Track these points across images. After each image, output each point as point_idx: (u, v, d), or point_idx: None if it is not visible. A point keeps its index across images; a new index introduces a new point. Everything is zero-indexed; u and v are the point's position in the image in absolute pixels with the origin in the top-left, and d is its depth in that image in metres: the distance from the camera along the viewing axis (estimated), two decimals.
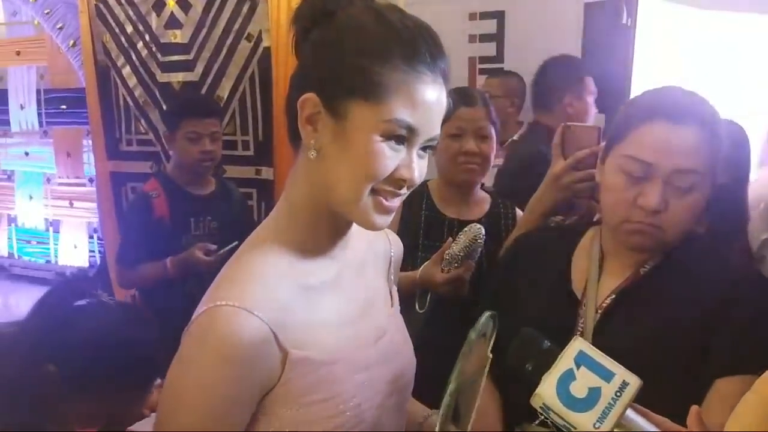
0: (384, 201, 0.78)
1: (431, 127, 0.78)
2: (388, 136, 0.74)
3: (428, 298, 1.53)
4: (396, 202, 0.80)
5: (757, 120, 2.53)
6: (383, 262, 1.01)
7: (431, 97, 0.76)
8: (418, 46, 0.75)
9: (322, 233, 0.84)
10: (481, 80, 3.14)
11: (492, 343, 0.88)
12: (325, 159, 0.77)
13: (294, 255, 0.82)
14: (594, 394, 0.77)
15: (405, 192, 0.80)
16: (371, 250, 0.98)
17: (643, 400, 0.80)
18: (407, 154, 0.77)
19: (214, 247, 2.12)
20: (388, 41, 0.74)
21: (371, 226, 0.80)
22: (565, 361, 0.80)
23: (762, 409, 0.61)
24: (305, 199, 0.82)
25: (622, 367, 0.79)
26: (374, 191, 0.77)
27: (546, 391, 0.78)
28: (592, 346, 0.82)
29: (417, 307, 1.52)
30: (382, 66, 0.73)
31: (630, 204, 1.01)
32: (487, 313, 0.86)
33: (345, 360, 0.82)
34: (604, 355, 0.81)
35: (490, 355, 0.88)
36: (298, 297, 0.80)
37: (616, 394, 0.77)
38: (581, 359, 0.80)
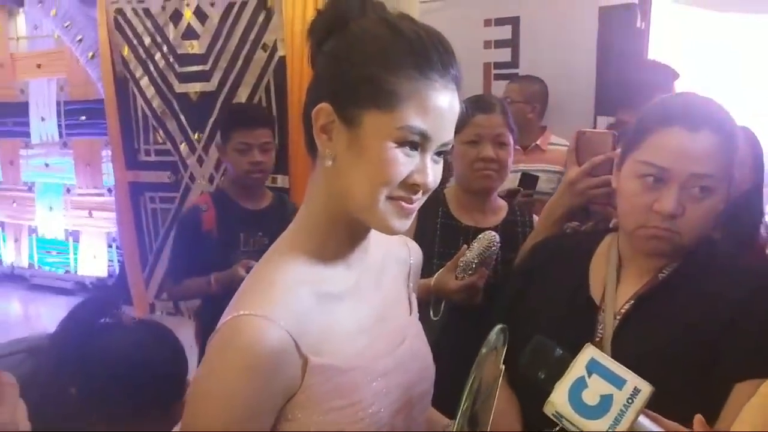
0: (402, 204, 0.79)
1: (444, 132, 0.78)
2: (402, 143, 0.75)
3: (443, 305, 1.52)
4: (414, 206, 0.81)
5: None
6: (402, 270, 1.01)
7: (443, 103, 0.77)
8: (429, 54, 0.76)
9: (341, 240, 0.85)
10: (496, 86, 3.15)
11: (503, 355, 0.88)
12: (340, 167, 0.78)
13: (314, 263, 0.83)
14: (606, 401, 0.78)
15: (421, 197, 0.81)
16: (390, 257, 0.98)
17: (660, 404, 0.80)
18: (421, 160, 0.77)
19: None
20: (400, 50, 0.75)
21: (390, 231, 0.80)
22: (577, 368, 0.80)
23: (766, 411, 0.61)
24: (323, 207, 0.83)
25: (633, 373, 0.79)
26: (390, 197, 0.78)
27: (558, 399, 0.79)
28: (603, 353, 0.82)
29: (431, 314, 1.52)
30: (394, 74, 0.74)
31: (646, 209, 1.01)
32: (497, 327, 0.86)
33: (364, 367, 0.83)
34: (615, 362, 0.81)
35: (503, 367, 0.87)
36: (317, 304, 0.81)
37: (627, 401, 0.77)
38: (593, 367, 0.80)
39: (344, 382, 0.80)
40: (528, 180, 2.32)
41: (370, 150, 0.75)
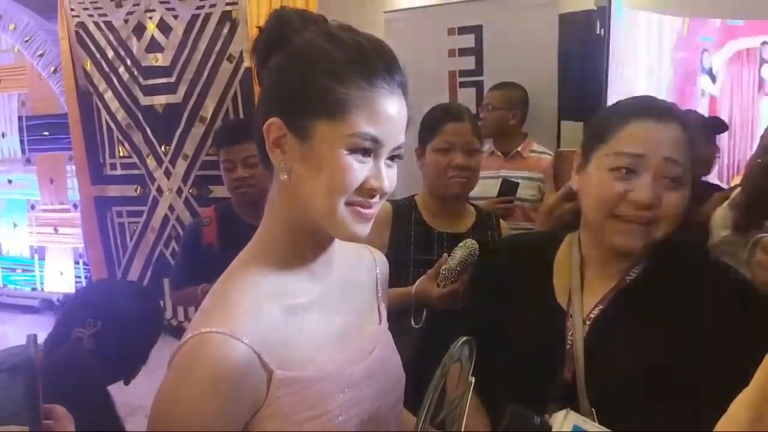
0: (361, 209, 0.80)
1: (395, 137, 0.79)
2: (354, 150, 0.76)
3: (424, 313, 1.54)
4: (373, 211, 0.82)
5: None
6: (369, 280, 1.02)
7: (391, 109, 0.78)
8: (373, 62, 0.77)
9: (303, 252, 0.86)
10: (462, 93, 3.19)
11: (472, 367, 0.88)
12: (296, 179, 0.79)
13: (277, 275, 0.83)
14: None
15: (378, 201, 0.82)
16: (356, 268, 0.99)
17: (639, 409, 0.81)
18: (375, 166, 0.79)
19: None
20: (344, 60, 0.77)
21: (351, 237, 0.81)
22: None
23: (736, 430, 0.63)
24: (283, 220, 0.84)
25: None
26: (349, 203, 0.79)
27: None
28: (585, 418, 0.82)
29: (413, 322, 1.53)
30: (341, 84, 0.76)
31: (618, 198, 0.99)
32: (461, 339, 0.85)
33: (331, 378, 0.83)
34: (597, 425, 0.80)
35: (472, 380, 0.87)
36: (282, 317, 0.81)
37: None
38: None
39: (311, 394, 0.80)
40: (508, 186, 2.33)
41: (324, 159, 0.76)
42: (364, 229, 0.81)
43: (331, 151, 0.76)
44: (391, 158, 0.81)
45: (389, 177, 0.81)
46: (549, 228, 1.36)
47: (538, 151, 2.81)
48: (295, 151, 0.79)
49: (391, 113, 0.78)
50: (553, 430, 0.82)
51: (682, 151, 0.99)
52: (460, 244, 1.53)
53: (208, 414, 0.72)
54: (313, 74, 0.77)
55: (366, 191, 0.79)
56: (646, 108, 1.03)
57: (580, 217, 1.33)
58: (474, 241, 1.52)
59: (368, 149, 0.77)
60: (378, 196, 0.81)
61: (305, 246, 0.85)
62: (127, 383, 1.40)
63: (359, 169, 0.77)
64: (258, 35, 0.84)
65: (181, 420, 0.73)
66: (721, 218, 2.05)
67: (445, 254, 1.54)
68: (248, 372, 0.74)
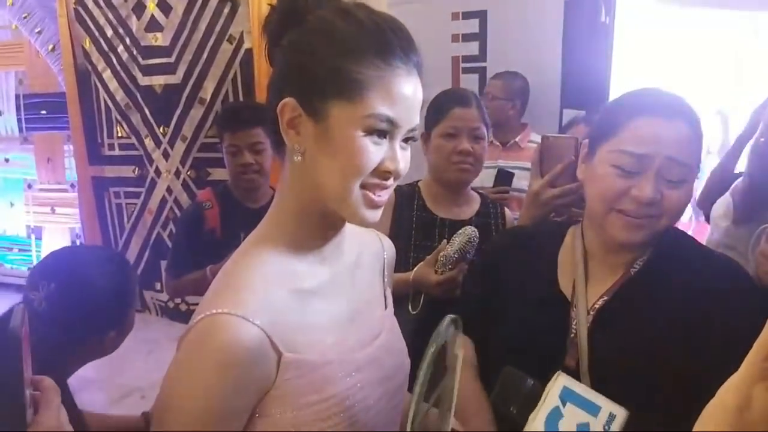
0: (372, 195, 0.79)
1: (410, 118, 0.79)
2: (370, 131, 0.75)
3: (422, 299, 1.53)
4: (384, 196, 0.81)
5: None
6: (377, 265, 1.02)
7: (408, 90, 0.77)
8: (390, 41, 0.76)
9: (314, 234, 0.85)
10: (464, 79, 3.17)
11: (458, 341, 0.87)
12: (310, 160, 0.78)
13: (287, 258, 0.83)
14: (583, 429, 0.78)
15: (392, 184, 0.81)
16: (364, 252, 0.99)
17: (642, 400, 0.81)
18: (390, 147, 0.78)
19: None
20: (360, 39, 0.76)
21: (362, 221, 0.81)
22: (551, 399, 0.81)
23: (723, 416, 0.63)
24: (295, 202, 0.83)
25: (607, 398, 0.79)
26: (362, 186, 0.78)
27: (535, 431, 0.78)
28: (575, 380, 0.82)
29: (410, 308, 1.53)
30: (357, 64, 0.75)
31: (621, 194, 1.01)
32: (447, 318, 0.84)
33: (338, 362, 0.83)
34: (587, 388, 0.81)
35: (458, 353, 0.86)
36: (291, 300, 0.80)
37: (604, 427, 0.78)
38: (566, 395, 0.81)
39: (319, 377, 0.80)
40: (504, 176, 2.34)
41: (339, 141, 0.76)
42: (375, 214, 0.81)
43: (347, 133, 0.75)
44: (405, 140, 0.80)
45: (404, 159, 0.80)
46: (534, 214, 1.37)
47: (536, 142, 2.80)
48: (309, 132, 0.77)
49: (407, 94, 0.77)
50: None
51: (686, 150, 1.00)
52: (459, 231, 1.52)
53: (218, 395, 0.72)
54: (329, 54, 0.76)
55: (381, 173, 0.78)
56: (652, 104, 1.02)
57: (568, 205, 1.34)
58: (474, 229, 1.52)
59: (384, 131, 0.76)
60: (392, 179, 0.80)
61: (316, 229, 0.84)
62: (102, 354, 1.35)
63: (375, 151, 0.76)
64: (270, 13, 0.82)
65: (190, 400, 0.73)
66: (722, 207, 2.04)
67: (444, 241, 1.53)
68: (259, 354, 0.74)
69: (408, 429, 0.74)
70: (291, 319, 0.79)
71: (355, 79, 0.74)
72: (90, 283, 1.28)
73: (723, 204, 2.07)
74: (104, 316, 1.31)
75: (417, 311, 1.52)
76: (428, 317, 1.51)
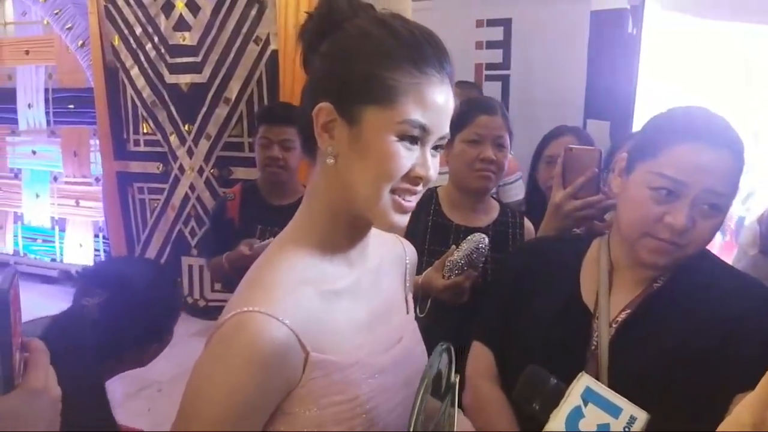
0: (402, 201, 0.81)
1: (442, 126, 0.80)
2: (402, 137, 0.77)
3: (429, 303, 1.54)
4: (413, 202, 0.83)
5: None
6: (399, 269, 1.03)
7: (440, 97, 0.79)
8: (424, 50, 0.78)
9: (342, 238, 0.87)
10: (487, 86, 3.17)
11: (452, 371, 0.88)
12: (343, 164, 0.80)
13: (316, 260, 0.85)
14: (603, 430, 0.79)
15: (421, 190, 0.83)
16: (388, 257, 1.00)
17: (661, 414, 0.81)
18: (421, 153, 0.79)
19: (257, 242, 2.17)
20: (396, 47, 0.77)
21: (390, 226, 0.83)
22: (573, 398, 0.81)
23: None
24: (325, 205, 0.85)
25: (628, 401, 0.80)
26: (392, 191, 0.80)
27: (555, 429, 0.80)
28: (597, 382, 0.83)
29: (417, 311, 1.53)
30: (392, 71, 0.76)
31: (655, 220, 1.00)
32: (440, 347, 0.85)
33: (362, 364, 0.84)
34: (610, 390, 0.82)
35: (456, 379, 0.88)
36: (320, 301, 0.82)
37: (624, 429, 0.78)
38: (588, 396, 0.81)
39: (343, 378, 0.81)
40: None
41: (372, 145, 0.77)
42: (404, 219, 0.83)
43: (380, 138, 0.77)
44: (435, 148, 0.82)
45: (434, 165, 0.82)
46: (556, 226, 1.37)
47: None
48: (343, 137, 0.79)
49: (439, 102, 0.79)
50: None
51: (726, 181, 0.99)
52: (468, 237, 1.52)
53: (245, 391, 0.74)
54: (365, 60, 0.78)
55: (411, 179, 0.80)
56: (698, 130, 1.01)
57: (590, 218, 1.34)
58: (483, 236, 1.51)
59: (416, 137, 0.78)
60: (421, 185, 0.82)
61: (344, 232, 0.86)
62: (143, 364, 1.40)
63: (406, 156, 0.78)
64: (307, 20, 0.85)
65: (217, 395, 0.74)
66: (750, 235, 2.01)
67: (453, 246, 1.53)
68: (287, 353, 0.76)
69: None
70: (319, 319, 0.81)
71: (390, 85, 0.76)
72: (143, 296, 1.33)
73: (751, 232, 2.04)
74: (151, 329, 1.36)
75: (424, 315, 1.52)
76: (435, 322, 1.52)
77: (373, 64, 0.77)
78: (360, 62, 0.78)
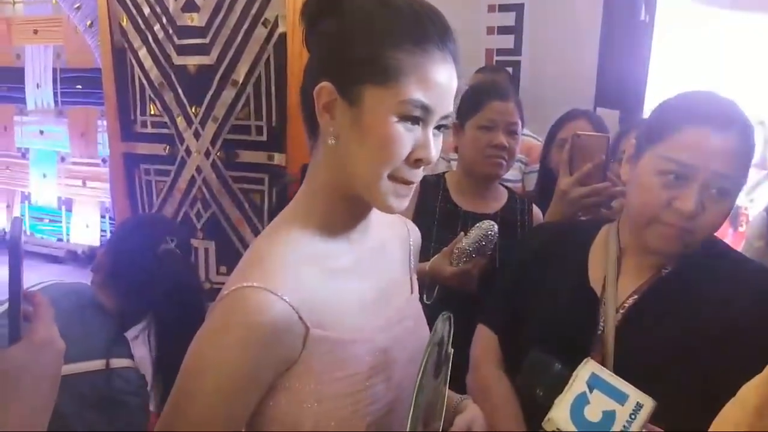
0: (401, 184, 0.80)
1: (445, 105, 0.79)
2: (404, 117, 0.76)
3: (436, 290, 1.53)
4: (412, 186, 0.82)
5: None
6: (403, 250, 1.03)
7: (442, 76, 0.77)
8: (426, 27, 0.77)
9: (343, 217, 0.87)
10: None
11: (450, 341, 0.89)
12: (344, 144, 0.80)
13: (315, 239, 0.85)
14: (608, 417, 0.78)
15: (421, 173, 0.82)
16: (391, 237, 1.00)
17: (666, 402, 0.81)
18: (423, 134, 0.78)
19: None
20: (397, 25, 0.76)
21: (389, 210, 0.82)
22: (578, 384, 0.80)
23: (742, 415, 0.63)
24: (326, 185, 0.85)
25: (635, 388, 0.79)
26: (392, 176, 0.79)
27: (559, 416, 0.79)
28: (603, 368, 0.82)
29: (425, 298, 1.53)
30: (393, 50, 0.75)
31: (664, 205, 1.00)
32: (443, 316, 0.85)
33: (362, 341, 0.84)
34: (616, 377, 0.81)
35: (452, 350, 0.88)
36: (320, 278, 0.82)
37: (630, 417, 0.77)
38: (594, 382, 0.80)
39: (343, 355, 0.81)
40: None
41: (373, 126, 0.76)
42: (402, 203, 0.82)
43: (380, 118, 0.76)
44: (438, 128, 0.81)
45: (436, 146, 0.80)
46: (561, 212, 1.37)
47: (524, 134, 2.78)
48: (344, 117, 0.78)
49: (442, 81, 0.77)
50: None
51: (735, 163, 0.98)
52: (477, 224, 1.51)
53: (242, 365, 0.74)
54: (366, 39, 0.77)
55: (412, 162, 0.79)
56: (704, 113, 0.99)
57: (597, 205, 1.33)
58: (492, 223, 1.50)
59: (417, 117, 0.77)
60: (422, 167, 0.81)
61: (346, 212, 0.86)
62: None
63: (407, 138, 0.77)
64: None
65: (215, 369, 0.75)
66: (757, 227, 1.99)
67: (462, 233, 1.52)
68: (285, 329, 0.76)
69: (408, 429, 0.76)
70: (319, 296, 0.80)
71: (391, 64, 0.75)
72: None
73: (759, 222, 2.01)
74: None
75: (431, 301, 1.52)
76: (441, 309, 1.51)
77: (373, 43, 0.76)
78: (360, 41, 0.77)
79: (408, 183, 0.80)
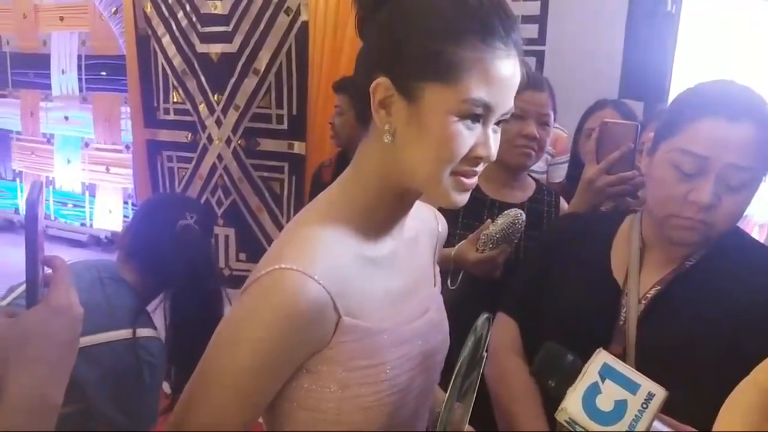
0: (464, 179, 0.78)
1: (506, 102, 0.77)
2: (465, 116, 0.73)
3: (461, 276, 1.53)
4: (474, 179, 0.80)
5: None
6: (431, 241, 1.02)
7: (506, 72, 0.74)
8: (491, 20, 0.72)
9: (386, 210, 0.85)
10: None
11: (487, 342, 0.89)
12: (400, 142, 0.77)
13: (354, 227, 0.83)
14: (620, 406, 0.78)
15: (481, 168, 0.80)
16: (423, 229, 0.99)
17: (688, 395, 0.81)
18: (483, 132, 0.76)
19: None
20: (460, 19, 0.72)
21: (452, 204, 0.80)
22: (590, 374, 0.81)
23: (756, 395, 0.62)
24: (375, 179, 0.83)
25: (647, 378, 0.79)
26: (454, 172, 0.77)
27: (572, 406, 0.79)
28: (615, 358, 0.82)
29: (449, 283, 1.53)
30: (456, 45, 0.72)
31: (680, 199, 0.99)
32: (483, 315, 0.86)
33: (390, 332, 0.84)
34: (628, 366, 0.81)
35: (485, 355, 0.88)
36: (355, 267, 0.81)
37: (642, 406, 0.77)
38: (606, 372, 0.80)
39: (371, 344, 0.81)
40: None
41: (432, 125, 0.74)
42: (464, 197, 0.81)
43: (440, 117, 0.73)
44: (497, 123, 0.79)
45: (495, 143, 0.78)
46: (587, 200, 1.35)
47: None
48: (401, 114, 0.76)
49: (505, 76, 0.75)
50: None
51: (751, 154, 0.96)
52: (505, 212, 1.50)
53: (273, 346, 0.74)
54: (427, 33, 0.73)
55: (472, 159, 0.77)
56: (718, 103, 0.98)
57: (623, 194, 1.32)
58: (520, 212, 1.49)
59: (478, 115, 0.75)
60: (482, 164, 0.79)
61: (390, 206, 0.85)
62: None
63: (467, 137, 0.75)
64: None
65: (245, 348, 0.74)
66: None
67: (489, 220, 1.52)
68: (319, 313, 0.75)
69: (438, 429, 0.76)
70: (353, 284, 0.80)
71: (453, 61, 0.72)
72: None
73: None
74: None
75: (455, 287, 1.51)
76: (465, 295, 1.50)
77: (435, 37, 0.72)
78: (420, 35, 0.73)
79: (470, 176, 0.79)
